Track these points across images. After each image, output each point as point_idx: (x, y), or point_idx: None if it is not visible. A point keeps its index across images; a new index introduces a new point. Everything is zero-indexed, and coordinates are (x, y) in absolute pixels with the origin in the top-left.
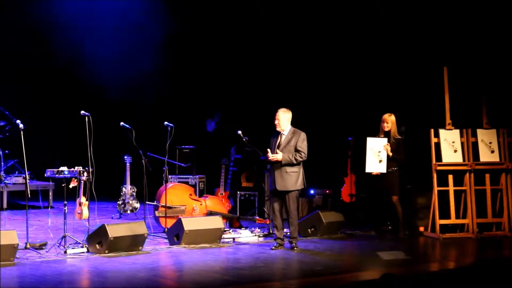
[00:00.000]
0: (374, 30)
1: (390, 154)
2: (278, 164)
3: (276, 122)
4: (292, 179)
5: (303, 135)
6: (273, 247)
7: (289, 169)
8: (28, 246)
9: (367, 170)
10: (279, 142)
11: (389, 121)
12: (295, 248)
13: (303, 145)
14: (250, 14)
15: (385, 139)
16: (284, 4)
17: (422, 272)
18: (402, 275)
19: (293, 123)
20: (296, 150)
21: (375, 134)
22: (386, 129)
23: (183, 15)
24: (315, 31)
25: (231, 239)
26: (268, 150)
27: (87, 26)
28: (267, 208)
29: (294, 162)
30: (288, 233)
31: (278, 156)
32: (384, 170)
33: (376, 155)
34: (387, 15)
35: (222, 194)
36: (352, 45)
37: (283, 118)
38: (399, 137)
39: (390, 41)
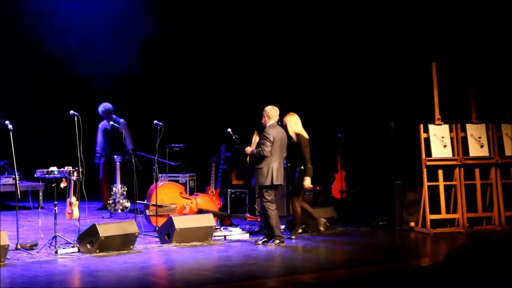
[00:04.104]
0: (363, 27)
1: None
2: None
3: (263, 120)
4: (256, 175)
5: (267, 131)
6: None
7: (256, 165)
8: (18, 246)
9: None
10: None
11: (284, 121)
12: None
13: (262, 142)
14: (238, 10)
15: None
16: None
17: (413, 267)
18: (395, 271)
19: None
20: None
21: (366, 130)
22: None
23: (172, 13)
24: (304, 28)
25: (222, 237)
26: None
27: (76, 23)
28: (257, 206)
29: (254, 154)
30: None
31: (247, 149)
32: None
33: None
34: (376, 12)
35: (213, 192)
36: (341, 42)
37: (265, 115)
38: (297, 136)
39: (379, 38)
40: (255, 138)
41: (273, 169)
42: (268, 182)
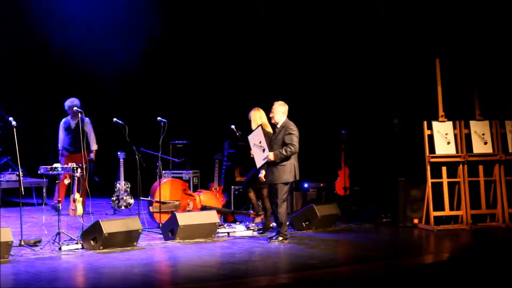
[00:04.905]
0: (367, 24)
1: None
2: None
3: (273, 115)
4: (279, 172)
5: (290, 127)
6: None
7: (279, 163)
8: (22, 243)
9: (258, 165)
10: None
11: (249, 116)
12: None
13: (289, 138)
14: (242, 8)
15: (259, 128)
16: None
17: (417, 264)
18: (400, 267)
19: (287, 116)
20: (284, 144)
21: (370, 127)
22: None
23: (176, 11)
24: (308, 23)
25: (226, 234)
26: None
27: (79, 19)
28: (261, 202)
29: (285, 155)
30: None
31: (270, 156)
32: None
33: (258, 147)
34: (380, 8)
35: (216, 188)
36: (345, 38)
37: (277, 111)
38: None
39: (383, 34)
40: None
41: (295, 165)
42: (292, 178)
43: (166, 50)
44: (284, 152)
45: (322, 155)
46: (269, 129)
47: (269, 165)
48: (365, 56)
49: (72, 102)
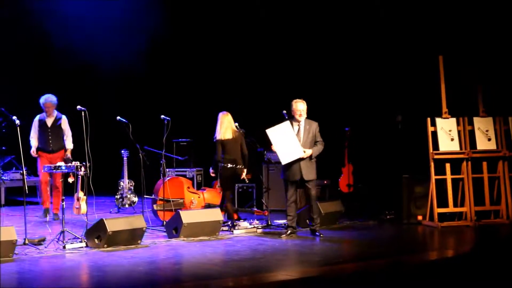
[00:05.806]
0: (370, 21)
1: None
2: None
3: (302, 113)
4: (315, 168)
5: (317, 124)
6: (286, 235)
7: (314, 159)
8: (26, 242)
9: (286, 161)
10: (297, 133)
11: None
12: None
13: (319, 136)
14: (242, 8)
15: (287, 122)
16: None
17: (421, 261)
18: (404, 264)
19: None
20: (317, 140)
21: (373, 124)
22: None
23: (178, 8)
24: (310, 22)
25: (230, 231)
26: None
27: (81, 18)
28: (265, 200)
29: (320, 152)
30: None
31: (308, 152)
32: (302, 153)
33: (285, 142)
34: (383, 4)
35: (220, 186)
36: (348, 35)
37: (305, 109)
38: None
39: (386, 31)
40: None
41: None
42: None
43: (169, 48)
44: (320, 150)
45: (326, 153)
46: (221, 135)
47: (298, 162)
48: (368, 54)
49: (46, 99)
